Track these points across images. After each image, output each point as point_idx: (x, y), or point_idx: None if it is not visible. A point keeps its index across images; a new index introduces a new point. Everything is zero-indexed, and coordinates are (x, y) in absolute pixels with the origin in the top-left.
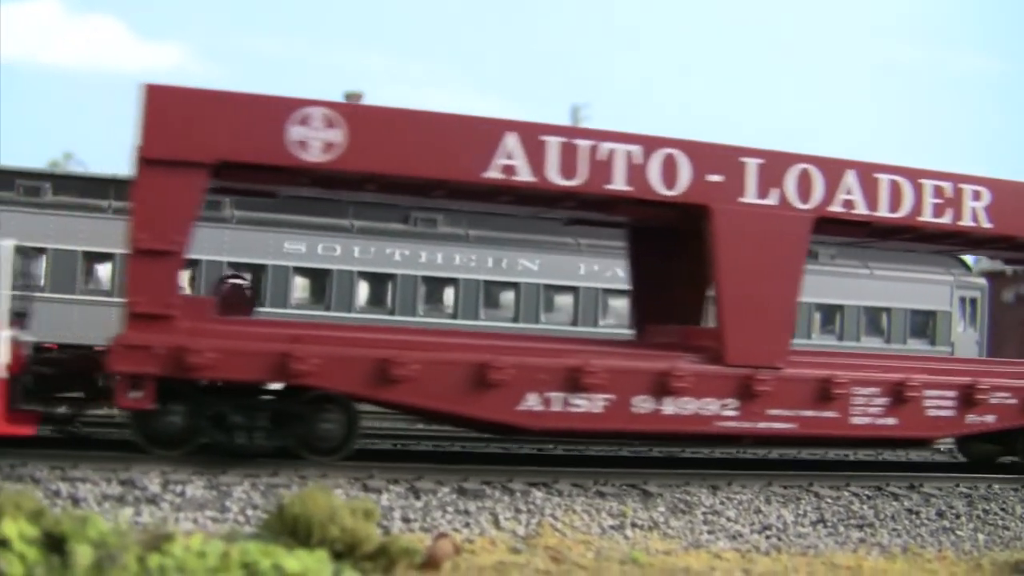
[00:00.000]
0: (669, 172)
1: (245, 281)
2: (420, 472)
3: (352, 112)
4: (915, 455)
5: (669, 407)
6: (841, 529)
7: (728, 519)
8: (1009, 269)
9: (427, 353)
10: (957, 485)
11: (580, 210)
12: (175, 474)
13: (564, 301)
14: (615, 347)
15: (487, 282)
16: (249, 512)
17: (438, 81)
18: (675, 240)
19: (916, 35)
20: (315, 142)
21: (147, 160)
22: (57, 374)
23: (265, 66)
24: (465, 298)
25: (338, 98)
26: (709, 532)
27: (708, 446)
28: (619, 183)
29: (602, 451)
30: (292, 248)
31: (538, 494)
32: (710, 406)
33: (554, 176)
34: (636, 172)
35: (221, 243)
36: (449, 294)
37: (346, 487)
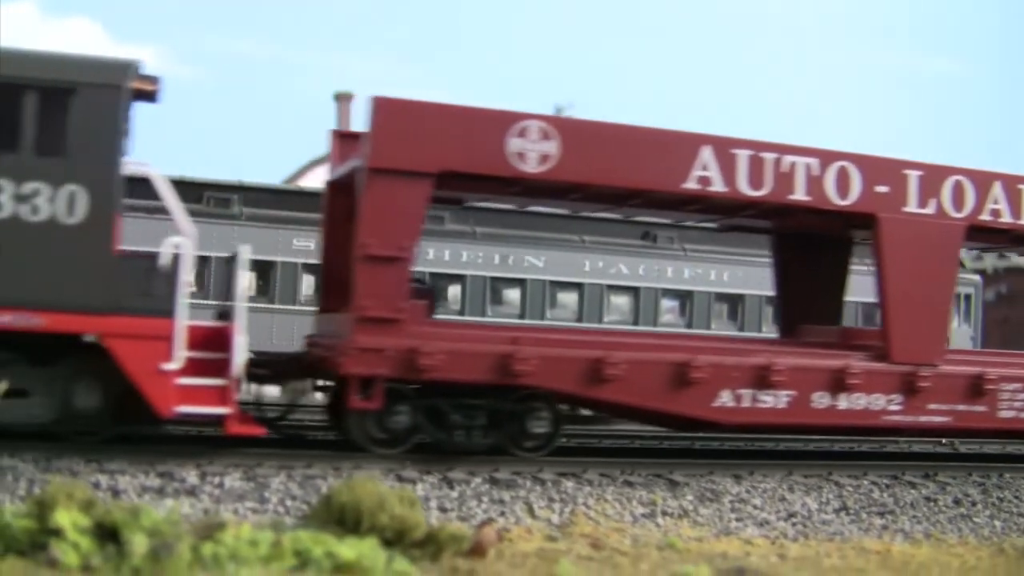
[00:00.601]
0: (842, 183)
1: (426, 284)
2: (452, 463)
3: (566, 125)
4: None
5: (843, 402)
6: (863, 516)
7: (754, 507)
8: (990, 267)
9: (634, 353)
10: (970, 474)
11: (755, 218)
12: (211, 466)
13: (569, 298)
14: (791, 347)
15: (493, 278)
16: (288, 503)
17: (423, 83)
18: (818, 246)
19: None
20: (532, 153)
21: (376, 170)
22: (269, 375)
23: (243, 68)
24: (472, 294)
25: (328, 100)
26: (737, 520)
27: (871, 438)
28: (799, 194)
29: (620, 443)
30: (301, 245)
31: (569, 484)
32: (878, 401)
33: (744, 187)
34: (814, 183)
35: (230, 240)
36: (455, 290)
37: (379, 478)
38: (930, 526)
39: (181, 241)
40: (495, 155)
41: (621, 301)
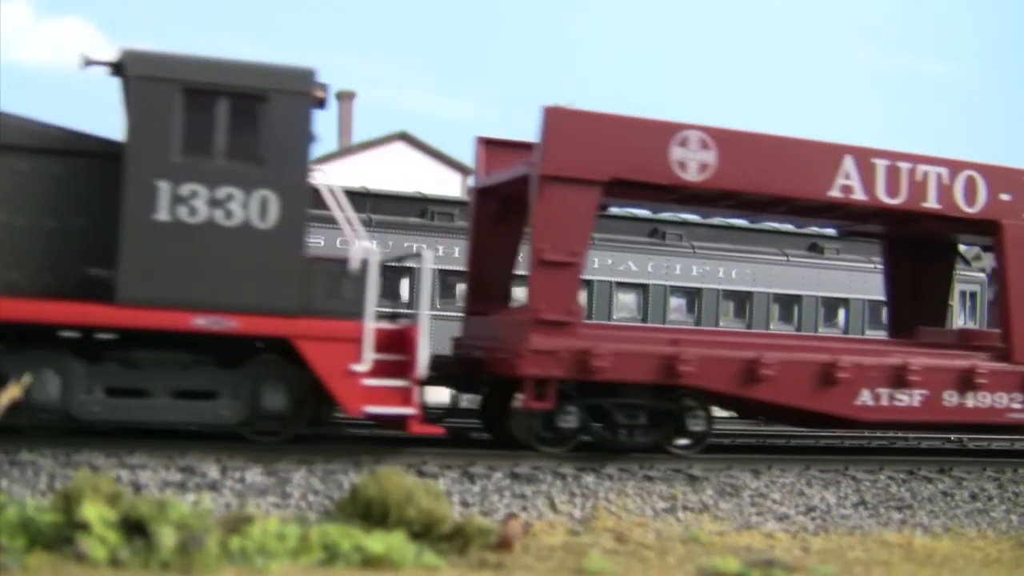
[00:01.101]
0: (970, 192)
1: None
2: (471, 458)
3: (723, 135)
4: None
5: (970, 400)
6: (882, 511)
7: (774, 501)
8: (988, 267)
9: (784, 354)
10: (984, 469)
11: (884, 224)
12: (231, 460)
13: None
14: (920, 348)
15: None
16: (311, 498)
17: (406, 83)
18: (927, 251)
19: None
20: (692, 162)
21: (548, 178)
22: (435, 377)
23: None
24: None
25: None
26: (757, 514)
27: (989, 435)
28: (931, 202)
29: None
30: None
31: (589, 479)
32: (1002, 399)
33: (882, 195)
34: (945, 192)
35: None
36: (462, 288)
37: (402, 473)
38: (948, 520)
39: (369, 246)
40: (659, 164)
41: (629, 298)
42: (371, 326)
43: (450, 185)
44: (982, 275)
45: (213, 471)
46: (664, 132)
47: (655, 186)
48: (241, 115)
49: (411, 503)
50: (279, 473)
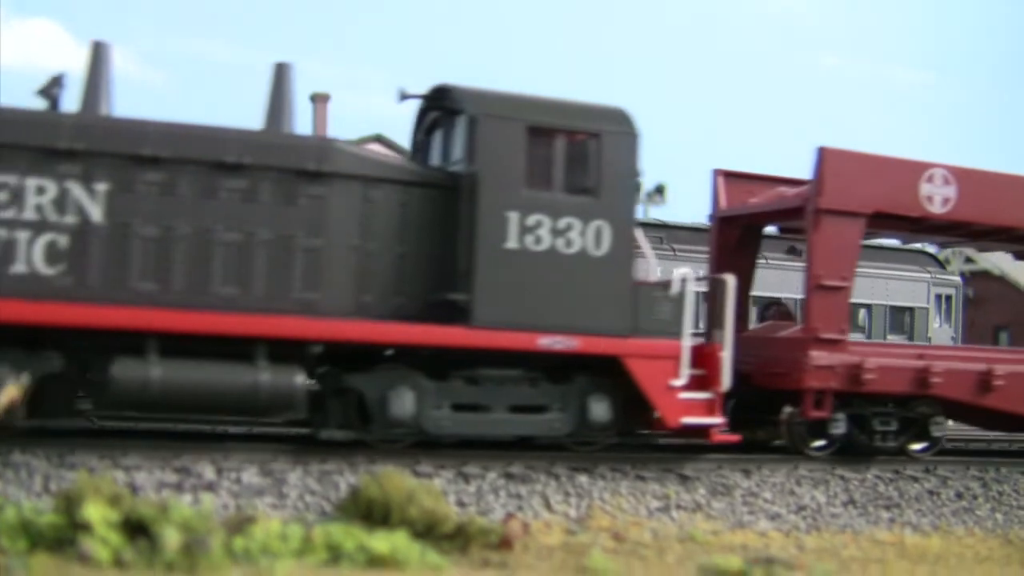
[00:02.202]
0: None
1: (785, 305)
2: (464, 458)
3: (962, 173)
4: None
5: None
6: (871, 509)
7: (765, 500)
8: (958, 271)
9: (1011, 366)
10: (968, 468)
11: None
12: (226, 462)
13: None
14: None
15: None
16: (308, 498)
17: (379, 87)
18: None
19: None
20: (937, 196)
21: (824, 211)
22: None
23: (209, 70)
24: None
25: (304, 101)
26: (750, 513)
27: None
28: None
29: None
30: None
31: (583, 478)
32: None
33: None
34: None
35: None
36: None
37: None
38: (936, 519)
39: (687, 271)
40: (911, 198)
41: None
42: (688, 344)
43: None
44: (958, 278)
45: (209, 472)
46: (916, 170)
47: (906, 218)
48: (578, 152)
49: (413, 503)
50: (275, 474)
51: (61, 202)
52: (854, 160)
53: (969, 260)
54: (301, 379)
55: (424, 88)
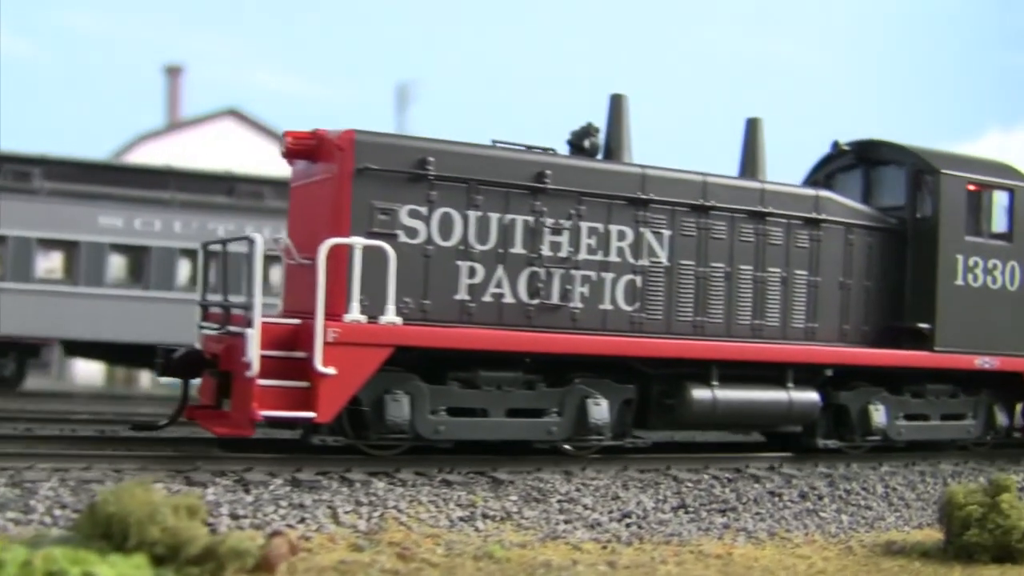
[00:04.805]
0: None
1: None
2: (250, 463)
3: None
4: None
5: None
6: (704, 514)
7: (585, 507)
8: None
9: None
10: (816, 465)
11: None
12: None
13: None
14: None
15: None
16: (57, 512)
17: (258, 61)
18: None
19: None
20: None
21: None
22: None
23: (77, 42)
24: None
25: (159, 73)
26: (566, 522)
27: None
28: None
29: None
30: (108, 223)
31: (379, 484)
32: None
33: None
34: None
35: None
36: None
37: (167, 481)
38: (774, 523)
39: None
40: None
41: None
42: None
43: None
44: None
45: None
46: None
47: None
48: (1000, 203)
49: (154, 521)
50: (24, 484)
51: (637, 246)
52: None
53: None
54: (816, 397)
55: (847, 142)
